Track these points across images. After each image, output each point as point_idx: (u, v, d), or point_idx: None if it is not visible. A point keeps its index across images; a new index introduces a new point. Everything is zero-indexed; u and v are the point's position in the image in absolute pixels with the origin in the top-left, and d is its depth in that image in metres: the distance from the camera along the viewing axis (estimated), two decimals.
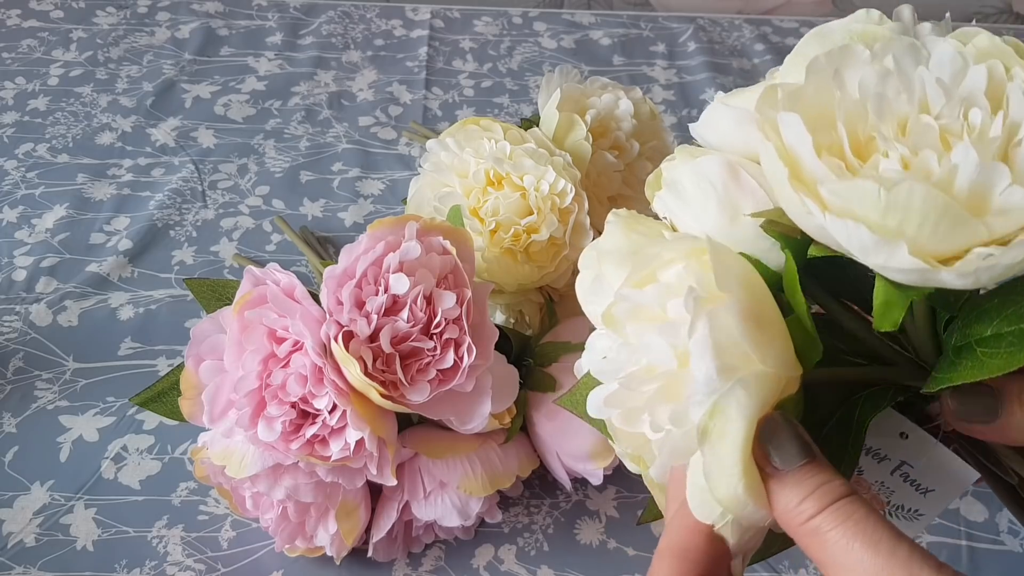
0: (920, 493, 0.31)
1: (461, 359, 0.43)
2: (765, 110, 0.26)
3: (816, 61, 0.26)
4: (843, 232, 0.23)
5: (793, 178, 0.24)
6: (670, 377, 0.26)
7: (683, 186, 0.29)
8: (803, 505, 0.24)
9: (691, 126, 0.32)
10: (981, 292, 0.27)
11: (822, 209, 0.24)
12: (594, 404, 0.28)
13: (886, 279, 0.25)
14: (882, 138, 0.24)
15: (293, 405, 0.42)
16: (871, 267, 0.24)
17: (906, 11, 0.29)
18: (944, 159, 0.23)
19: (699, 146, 0.32)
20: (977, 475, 0.30)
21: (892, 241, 0.22)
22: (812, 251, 0.26)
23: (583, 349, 0.51)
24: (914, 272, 0.23)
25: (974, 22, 0.29)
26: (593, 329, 0.30)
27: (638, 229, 0.30)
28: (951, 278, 0.23)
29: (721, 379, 0.24)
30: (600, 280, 0.29)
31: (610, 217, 0.31)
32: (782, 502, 0.25)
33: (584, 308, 0.31)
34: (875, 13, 0.29)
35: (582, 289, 0.31)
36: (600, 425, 0.31)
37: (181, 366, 0.45)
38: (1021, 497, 0.30)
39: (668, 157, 0.31)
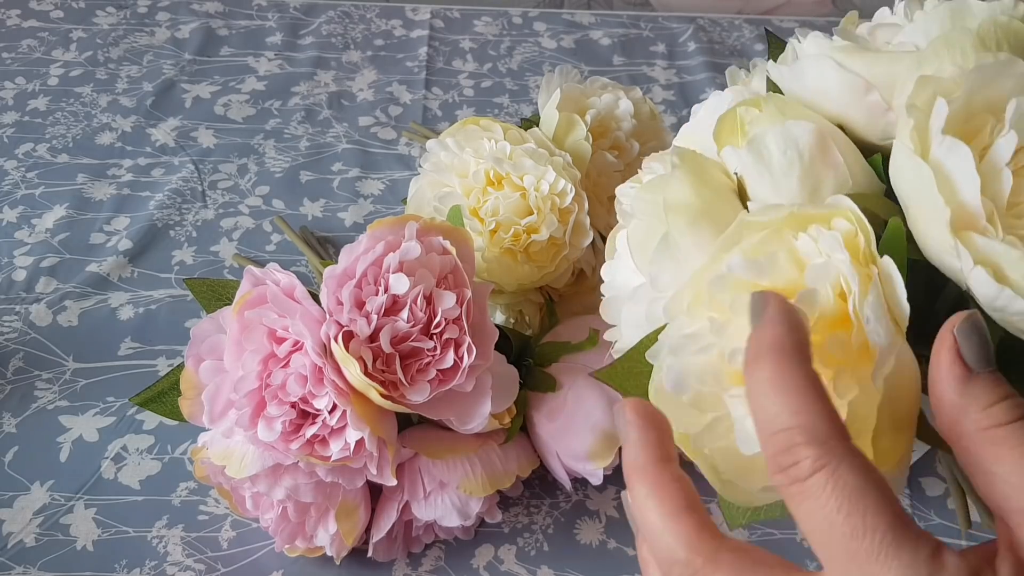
0: None
1: (461, 359, 0.43)
2: (918, 116, 0.24)
3: (982, 68, 0.25)
4: (983, 284, 0.23)
5: (955, 220, 0.24)
6: None
7: (768, 150, 0.28)
8: (992, 410, 0.23)
9: (780, 69, 0.29)
10: None
11: (974, 260, 0.23)
12: (675, 378, 0.26)
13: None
14: None
15: (293, 405, 0.42)
16: (984, 308, 0.24)
17: None
18: None
19: (779, 93, 0.29)
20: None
21: None
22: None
23: (583, 349, 0.52)
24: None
25: None
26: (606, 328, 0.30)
27: (707, 183, 0.28)
28: None
29: (895, 338, 0.24)
30: (668, 240, 0.28)
31: (673, 159, 0.29)
32: (966, 401, 0.23)
33: (634, 259, 0.29)
34: (1021, 9, 0.28)
35: (635, 239, 0.29)
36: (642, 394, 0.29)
37: (181, 366, 0.45)
38: None
39: (749, 102, 0.29)
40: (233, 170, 0.76)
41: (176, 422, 0.47)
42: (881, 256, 0.25)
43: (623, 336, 0.30)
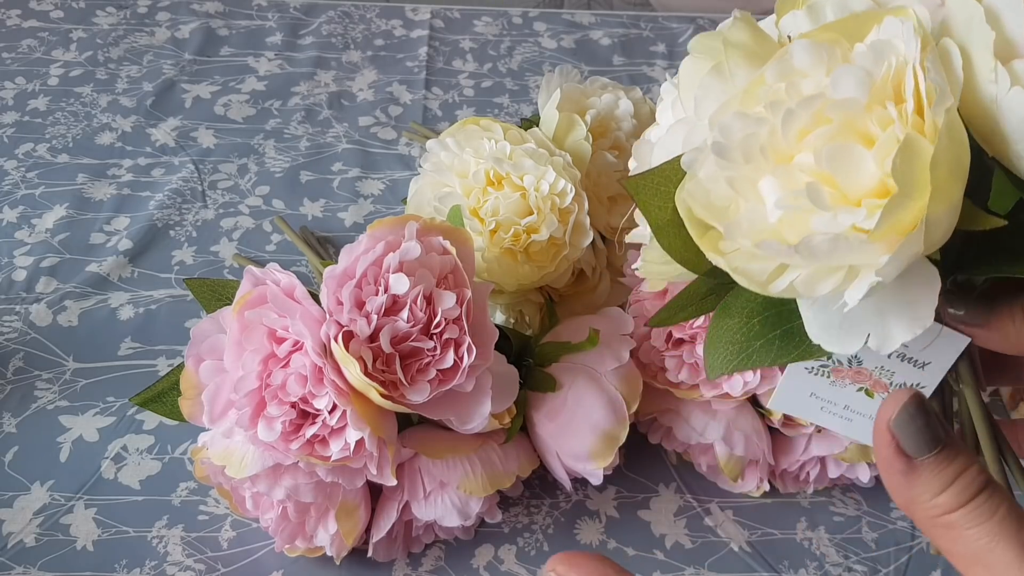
0: (918, 368, 0.31)
1: (461, 359, 0.43)
2: None
3: None
4: (1020, 104, 0.23)
5: (997, 50, 0.24)
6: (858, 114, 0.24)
7: (824, 14, 0.28)
8: (939, 499, 0.23)
9: None
10: None
11: (1012, 82, 0.24)
12: (720, 145, 0.26)
13: (1008, 174, 0.25)
14: None
15: (293, 405, 0.42)
16: (1019, 152, 0.24)
17: None
18: None
19: None
20: (968, 339, 0.30)
21: None
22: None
23: (583, 349, 0.52)
24: None
25: None
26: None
27: (766, 38, 0.29)
28: None
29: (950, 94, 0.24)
30: (722, 68, 0.28)
31: (735, 12, 0.29)
32: (913, 494, 0.24)
33: (680, 91, 0.29)
34: None
35: (686, 75, 0.29)
36: (666, 217, 0.28)
37: (181, 366, 0.45)
38: (948, 404, 0.31)
39: None
40: (233, 170, 0.76)
41: (176, 422, 0.47)
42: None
43: (654, 163, 0.30)
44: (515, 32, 0.96)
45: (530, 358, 0.52)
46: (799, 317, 0.27)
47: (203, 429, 0.46)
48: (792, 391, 0.34)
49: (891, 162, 0.23)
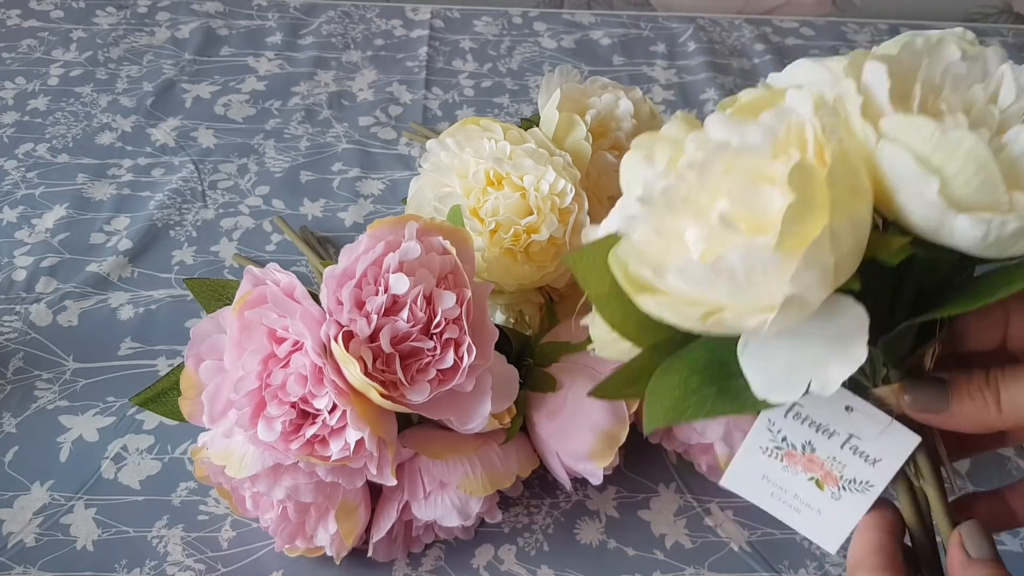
0: (869, 464, 0.32)
1: (461, 359, 0.43)
2: (857, 60, 0.28)
3: (913, 41, 0.28)
4: (890, 158, 0.26)
5: (865, 109, 0.26)
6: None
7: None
8: None
9: (771, 76, 0.32)
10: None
11: (878, 136, 0.26)
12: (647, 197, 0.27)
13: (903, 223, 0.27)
14: (948, 108, 0.27)
15: (293, 405, 0.42)
16: (901, 202, 0.26)
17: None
18: (997, 138, 0.26)
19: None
20: (919, 438, 0.31)
21: (929, 175, 0.25)
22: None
23: (583, 349, 0.51)
24: (935, 211, 0.25)
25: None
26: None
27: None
28: (964, 226, 0.25)
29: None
30: (650, 157, 0.30)
31: (677, 114, 0.31)
32: None
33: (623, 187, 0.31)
34: (971, 35, 0.31)
35: (627, 169, 0.31)
36: (600, 277, 0.30)
37: (181, 366, 0.45)
38: (914, 490, 0.33)
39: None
40: (233, 170, 0.76)
41: (176, 422, 0.47)
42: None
43: (597, 235, 0.31)
44: (515, 32, 0.96)
45: (530, 358, 0.52)
46: (738, 376, 0.28)
47: (203, 429, 0.46)
48: (745, 471, 0.35)
49: (786, 175, 0.25)
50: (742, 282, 0.25)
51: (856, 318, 0.27)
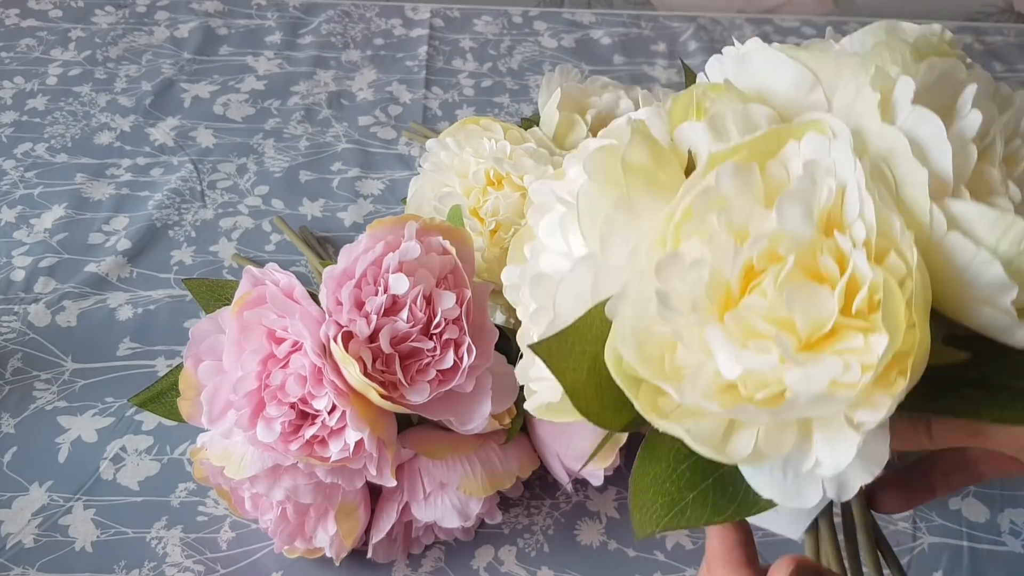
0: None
1: (461, 359, 0.43)
2: (884, 85, 0.24)
3: (936, 66, 0.25)
4: (966, 255, 0.23)
5: (934, 185, 0.23)
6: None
7: (727, 127, 0.26)
8: None
9: (723, 61, 0.28)
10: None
11: (949, 225, 0.23)
12: (663, 298, 0.23)
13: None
14: (999, 175, 0.24)
15: (292, 406, 0.42)
16: (963, 297, 0.24)
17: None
18: None
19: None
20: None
21: (1010, 283, 0.22)
22: None
23: None
24: (1005, 319, 0.23)
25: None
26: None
27: (663, 150, 0.27)
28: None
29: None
30: (626, 200, 0.26)
31: (632, 122, 0.27)
32: None
33: (581, 225, 0.27)
34: (948, 35, 0.28)
35: (585, 205, 0.27)
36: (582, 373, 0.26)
37: (180, 366, 0.45)
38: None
39: (706, 86, 0.28)
40: (232, 170, 0.76)
41: (175, 423, 0.47)
42: None
43: (560, 312, 0.27)
44: (515, 31, 0.96)
45: None
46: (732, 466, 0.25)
47: (202, 430, 0.46)
48: None
49: (869, 305, 0.22)
50: (797, 414, 0.22)
51: (882, 425, 0.23)
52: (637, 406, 0.24)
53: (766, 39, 1.00)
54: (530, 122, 0.56)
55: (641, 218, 0.26)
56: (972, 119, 0.24)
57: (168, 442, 0.55)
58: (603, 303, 0.26)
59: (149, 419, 0.56)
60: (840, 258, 0.23)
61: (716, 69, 0.30)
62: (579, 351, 0.26)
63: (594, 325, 0.26)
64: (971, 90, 0.25)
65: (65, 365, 0.60)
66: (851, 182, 0.23)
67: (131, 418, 0.57)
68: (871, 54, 0.26)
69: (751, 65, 0.28)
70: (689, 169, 0.28)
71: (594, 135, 0.54)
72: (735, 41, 0.30)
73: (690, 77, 0.33)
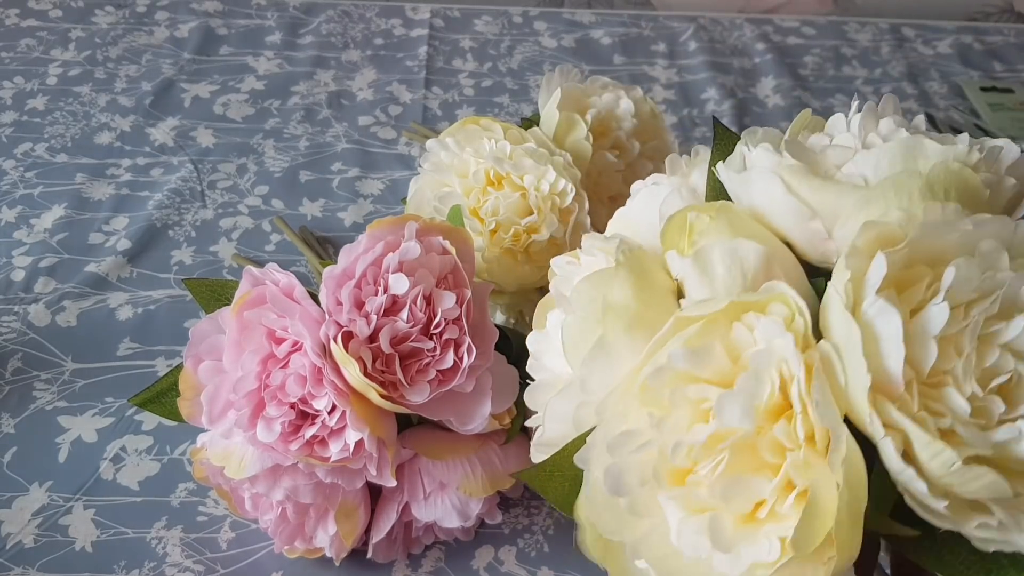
0: None
1: (461, 359, 0.43)
2: (856, 266, 0.24)
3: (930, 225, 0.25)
4: (890, 458, 0.24)
5: (874, 390, 0.24)
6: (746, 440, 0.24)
7: (713, 265, 0.27)
8: None
9: (727, 173, 0.29)
10: None
11: (884, 431, 0.23)
12: (613, 480, 0.26)
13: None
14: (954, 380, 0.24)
15: (292, 406, 0.42)
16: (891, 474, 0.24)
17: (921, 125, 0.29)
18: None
19: (724, 199, 0.29)
20: None
21: (937, 498, 0.23)
22: None
23: None
24: (935, 517, 0.24)
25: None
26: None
27: (649, 284, 0.28)
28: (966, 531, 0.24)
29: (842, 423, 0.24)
30: (604, 343, 0.27)
31: (618, 255, 0.29)
32: None
33: (567, 355, 0.29)
34: (974, 156, 0.27)
35: (570, 336, 0.29)
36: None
37: (180, 367, 0.45)
38: None
39: (700, 208, 0.29)
40: (232, 170, 0.76)
41: (175, 423, 0.47)
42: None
43: (546, 429, 0.30)
44: (515, 31, 0.96)
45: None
46: None
47: (202, 430, 0.46)
48: None
49: (791, 527, 0.23)
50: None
51: None
52: (606, 567, 0.27)
53: (766, 39, 1.01)
54: (530, 122, 0.56)
55: (621, 359, 0.27)
56: (938, 315, 0.24)
57: (168, 442, 0.55)
58: (580, 440, 0.28)
59: (149, 419, 0.56)
60: (777, 451, 0.24)
61: (723, 175, 0.30)
62: (559, 475, 0.30)
63: (572, 454, 0.28)
64: (949, 274, 0.24)
65: (65, 365, 0.60)
66: (795, 380, 0.24)
67: (131, 418, 0.57)
68: (876, 192, 0.26)
69: (752, 187, 0.28)
70: (679, 293, 0.29)
71: (595, 135, 0.54)
72: (746, 146, 0.30)
73: (723, 138, 0.33)
